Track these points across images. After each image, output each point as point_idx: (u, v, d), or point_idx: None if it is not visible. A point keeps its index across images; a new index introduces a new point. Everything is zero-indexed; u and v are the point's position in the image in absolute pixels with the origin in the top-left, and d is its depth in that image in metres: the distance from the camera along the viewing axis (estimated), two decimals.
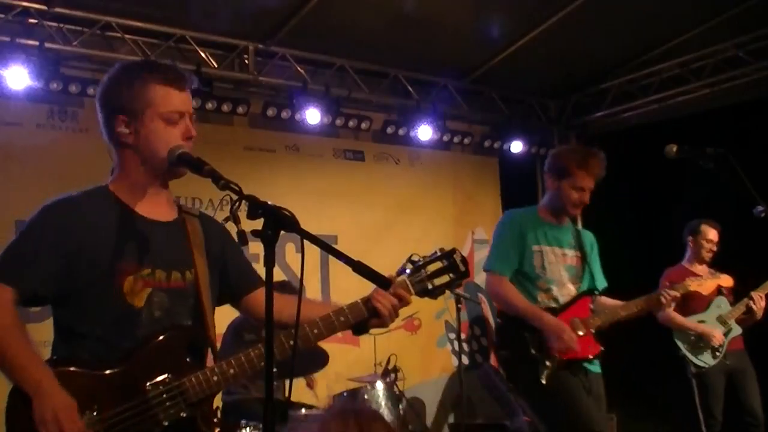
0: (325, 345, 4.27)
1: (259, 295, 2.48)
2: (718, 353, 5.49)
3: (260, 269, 2.11)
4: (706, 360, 5.50)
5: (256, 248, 2.05)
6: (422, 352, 7.44)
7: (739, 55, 6.75)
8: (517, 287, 3.93)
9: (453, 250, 2.50)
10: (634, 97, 7.59)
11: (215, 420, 2.34)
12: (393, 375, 5.40)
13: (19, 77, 5.44)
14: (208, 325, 2.35)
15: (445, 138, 7.54)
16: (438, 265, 2.48)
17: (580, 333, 3.85)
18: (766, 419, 5.46)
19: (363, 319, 2.43)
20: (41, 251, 2.19)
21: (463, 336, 6.57)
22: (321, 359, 5.08)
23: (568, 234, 4.06)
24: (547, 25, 6.52)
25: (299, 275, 2.03)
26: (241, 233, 2.05)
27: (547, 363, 3.77)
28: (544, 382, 3.74)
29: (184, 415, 2.19)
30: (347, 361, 6.24)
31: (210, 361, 2.39)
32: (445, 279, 2.48)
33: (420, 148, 7.62)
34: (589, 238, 4.17)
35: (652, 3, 6.28)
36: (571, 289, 3.98)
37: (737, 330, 5.55)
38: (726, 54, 6.83)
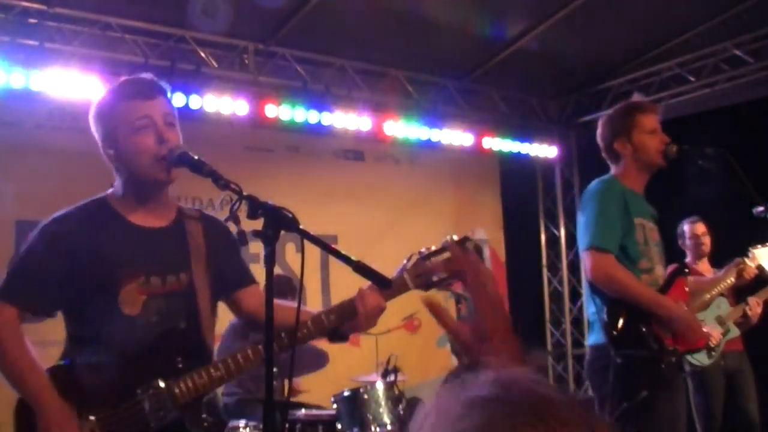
0: (325, 345, 4.27)
1: (248, 293, 2.55)
2: (713, 353, 5.48)
3: (260, 269, 2.11)
4: (700, 359, 5.48)
5: (256, 248, 2.05)
6: (422, 352, 7.44)
7: (739, 55, 6.75)
8: None
9: (465, 238, 2.33)
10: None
11: (204, 423, 2.35)
12: (393, 375, 5.39)
13: (18, 77, 5.44)
14: (202, 326, 2.39)
15: (446, 138, 7.54)
16: (446, 255, 2.32)
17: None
18: (764, 422, 5.45)
19: (347, 320, 2.37)
20: (41, 270, 2.30)
21: None
22: (321, 359, 5.08)
23: (648, 204, 3.51)
24: (547, 25, 6.52)
25: (299, 275, 2.04)
26: (241, 233, 2.08)
27: (672, 360, 3.23)
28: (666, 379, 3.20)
29: (172, 417, 2.25)
30: (347, 361, 6.23)
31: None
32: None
33: (420, 148, 7.63)
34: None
35: (652, 3, 6.29)
36: (661, 269, 3.43)
37: (735, 331, 5.54)
38: (726, 54, 6.83)
